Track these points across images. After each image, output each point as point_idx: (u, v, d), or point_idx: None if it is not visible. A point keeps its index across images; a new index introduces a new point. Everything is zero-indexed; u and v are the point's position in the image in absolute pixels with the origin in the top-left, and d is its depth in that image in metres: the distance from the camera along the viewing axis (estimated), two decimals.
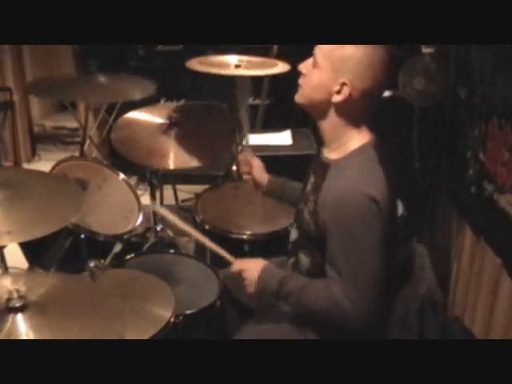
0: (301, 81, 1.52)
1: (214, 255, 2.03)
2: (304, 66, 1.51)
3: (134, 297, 1.65)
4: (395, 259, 1.47)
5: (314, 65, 1.47)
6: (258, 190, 1.95)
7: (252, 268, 1.58)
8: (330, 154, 1.51)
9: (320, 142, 1.60)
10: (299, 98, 1.53)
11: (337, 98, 1.44)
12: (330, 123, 1.50)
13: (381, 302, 1.42)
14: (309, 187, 1.57)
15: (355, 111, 1.46)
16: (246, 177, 1.95)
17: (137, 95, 2.28)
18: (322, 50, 1.45)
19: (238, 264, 1.63)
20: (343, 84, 1.42)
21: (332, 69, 1.43)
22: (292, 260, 1.65)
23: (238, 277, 1.60)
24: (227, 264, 1.71)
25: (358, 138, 1.47)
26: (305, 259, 1.57)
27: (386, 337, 1.52)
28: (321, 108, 1.49)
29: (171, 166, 2.18)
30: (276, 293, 1.52)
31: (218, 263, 1.85)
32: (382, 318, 1.48)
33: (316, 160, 1.60)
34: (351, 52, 1.41)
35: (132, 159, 2.20)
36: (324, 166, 1.50)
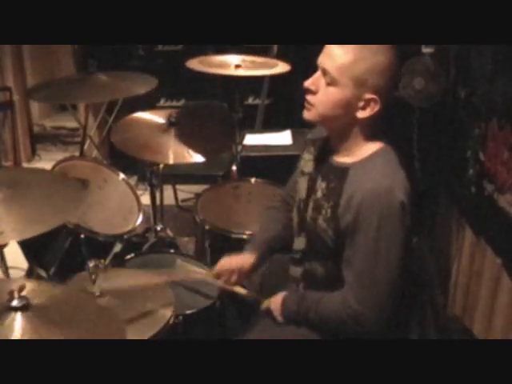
0: (312, 99, 1.43)
1: (214, 255, 2.03)
2: (312, 83, 1.42)
3: (134, 297, 1.65)
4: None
5: (331, 82, 1.38)
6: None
7: (275, 299, 1.58)
8: (345, 159, 1.47)
9: (328, 148, 1.57)
10: (313, 116, 1.45)
11: (363, 114, 1.39)
12: (348, 135, 1.45)
13: (395, 307, 1.40)
14: (319, 194, 1.51)
15: (375, 118, 1.42)
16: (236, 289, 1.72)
17: (138, 90, 2.27)
18: (337, 66, 1.36)
19: (266, 302, 1.62)
20: (371, 100, 1.37)
21: (355, 85, 1.36)
22: (302, 269, 1.62)
23: (269, 313, 1.59)
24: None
25: (374, 142, 1.45)
26: (319, 268, 1.55)
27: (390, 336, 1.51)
28: (341, 123, 1.43)
29: (171, 161, 2.22)
30: (297, 312, 1.51)
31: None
32: (396, 323, 1.46)
33: (323, 165, 1.55)
34: (373, 64, 1.34)
35: (133, 155, 2.21)
36: (340, 170, 1.46)
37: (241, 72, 2.39)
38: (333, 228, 1.45)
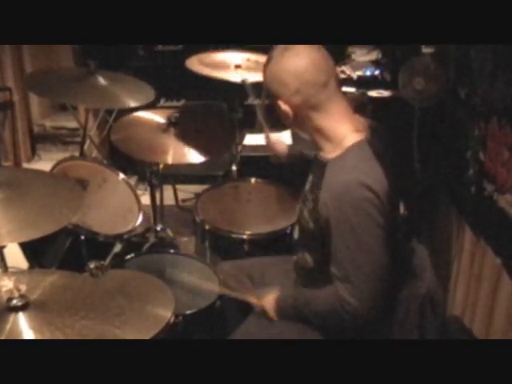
0: None
1: (214, 255, 2.03)
2: None
3: (134, 297, 1.65)
4: (396, 259, 1.46)
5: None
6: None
7: (268, 300, 1.63)
8: (327, 154, 1.52)
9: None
10: None
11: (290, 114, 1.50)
12: (308, 133, 1.55)
13: (385, 298, 1.43)
14: (307, 186, 1.59)
15: (313, 113, 1.49)
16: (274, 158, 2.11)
17: (134, 103, 2.26)
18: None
19: (258, 302, 1.66)
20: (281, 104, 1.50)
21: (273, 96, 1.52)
22: (295, 258, 1.68)
23: (263, 312, 1.64)
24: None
25: (350, 137, 1.48)
26: (309, 258, 1.60)
27: (389, 336, 1.52)
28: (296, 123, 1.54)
29: (171, 162, 2.21)
30: (293, 312, 1.56)
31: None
32: (387, 315, 1.49)
33: (314, 160, 1.61)
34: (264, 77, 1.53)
35: (133, 155, 2.21)
36: (321, 165, 1.51)
37: (240, 73, 2.39)
38: (313, 220, 1.50)
